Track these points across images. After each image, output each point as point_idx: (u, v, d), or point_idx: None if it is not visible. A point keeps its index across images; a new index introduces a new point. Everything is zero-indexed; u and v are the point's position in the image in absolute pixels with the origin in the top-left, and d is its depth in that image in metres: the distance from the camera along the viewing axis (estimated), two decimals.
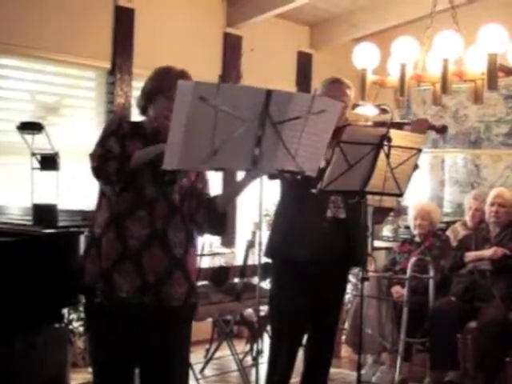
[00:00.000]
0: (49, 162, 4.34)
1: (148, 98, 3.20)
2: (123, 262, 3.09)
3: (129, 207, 3.11)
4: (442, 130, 4.55)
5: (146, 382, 3.27)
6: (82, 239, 4.15)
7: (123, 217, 3.10)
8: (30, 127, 4.45)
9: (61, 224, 4.19)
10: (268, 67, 7.39)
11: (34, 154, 4.36)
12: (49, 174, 4.39)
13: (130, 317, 3.12)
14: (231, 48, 7.23)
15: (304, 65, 8.03)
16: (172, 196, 3.16)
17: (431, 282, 5.59)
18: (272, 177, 4.13)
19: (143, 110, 3.26)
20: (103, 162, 3.04)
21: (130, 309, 3.11)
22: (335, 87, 4.21)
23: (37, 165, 4.36)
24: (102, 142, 3.14)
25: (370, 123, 4.24)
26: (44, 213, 4.17)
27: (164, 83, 3.15)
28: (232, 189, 3.26)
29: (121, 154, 3.07)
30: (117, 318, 3.13)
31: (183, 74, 3.18)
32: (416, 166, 3.99)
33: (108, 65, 6.29)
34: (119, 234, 3.09)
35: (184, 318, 3.27)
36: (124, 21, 6.34)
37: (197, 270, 3.40)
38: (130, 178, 3.03)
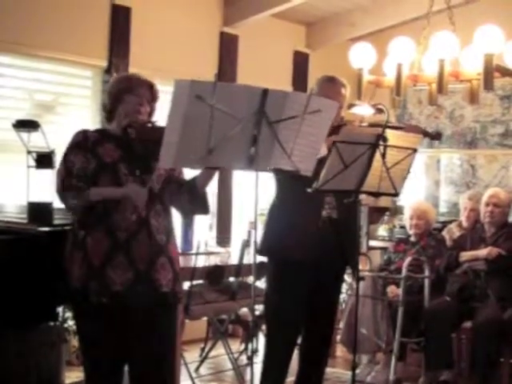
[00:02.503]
0: (44, 160, 4.34)
1: (116, 99, 3.31)
2: (115, 256, 3.14)
3: (111, 200, 3.18)
4: (437, 136, 4.54)
5: (137, 372, 3.29)
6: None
7: (109, 211, 3.17)
8: (26, 125, 4.45)
9: (56, 222, 4.18)
10: (264, 67, 7.40)
11: (29, 152, 4.35)
12: (44, 172, 4.38)
13: (124, 308, 3.15)
14: (227, 47, 7.22)
15: (300, 64, 8.03)
16: (151, 184, 3.23)
17: (426, 282, 5.60)
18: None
19: (110, 114, 3.36)
20: (62, 189, 3.22)
21: (123, 300, 3.14)
22: (330, 86, 4.20)
23: (32, 163, 4.36)
24: (64, 159, 3.28)
25: (365, 124, 4.23)
26: (39, 211, 4.17)
27: (131, 83, 3.31)
28: (206, 172, 3.28)
29: (78, 186, 3.18)
30: (108, 312, 3.15)
31: (145, 80, 3.35)
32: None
33: (104, 63, 6.28)
34: (107, 228, 3.15)
35: (170, 304, 3.33)
36: (120, 19, 6.33)
37: (179, 259, 3.46)
38: (87, 208, 3.18)
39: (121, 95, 3.28)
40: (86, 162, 3.22)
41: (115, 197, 3.16)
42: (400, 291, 5.59)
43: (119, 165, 3.22)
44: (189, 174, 3.36)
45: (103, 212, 3.17)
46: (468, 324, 5.47)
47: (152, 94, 3.33)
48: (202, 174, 3.21)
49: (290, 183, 4.05)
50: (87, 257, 3.16)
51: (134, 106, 3.25)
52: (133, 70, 6.25)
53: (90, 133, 3.34)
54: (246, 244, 5.67)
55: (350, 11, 7.65)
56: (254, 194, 4.55)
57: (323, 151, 3.37)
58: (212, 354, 6.21)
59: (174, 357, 3.45)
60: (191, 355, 6.03)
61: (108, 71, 6.27)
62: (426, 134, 4.41)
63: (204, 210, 3.38)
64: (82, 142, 3.27)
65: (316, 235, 4.10)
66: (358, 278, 4.19)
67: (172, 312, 3.36)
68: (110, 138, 3.30)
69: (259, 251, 4.35)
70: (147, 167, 3.22)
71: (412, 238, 6.12)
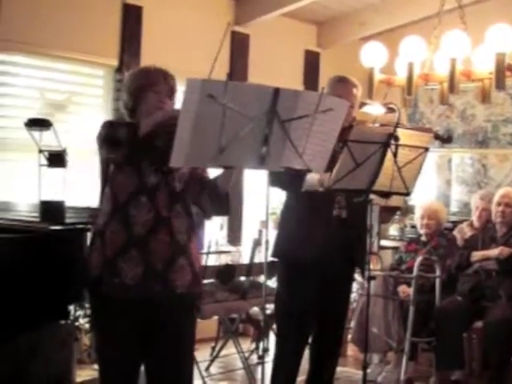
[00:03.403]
0: (56, 158, 4.34)
1: (136, 97, 3.24)
2: (129, 249, 3.11)
3: (131, 195, 3.13)
4: (447, 140, 4.54)
5: (153, 373, 3.27)
6: (89, 236, 4.16)
7: (126, 205, 3.13)
8: (38, 124, 4.45)
9: (68, 221, 4.19)
10: (275, 66, 7.40)
11: (41, 151, 4.36)
12: (56, 171, 4.39)
13: (138, 305, 3.14)
14: (238, 46, 7.23)
15: (311, 63, 8.03)
16: (173, 184, 3.19)
17: (437, 282, 5.59)
18: (273, 182, 4.16)
19: (132, 112, 3.29)
20: (112, 127, 3.11)
21: (136, 296, 3.12)
22: (341, 86, 4.19)
23: (44, 161, 4.36)
24: (100, 136, 3.15)
25: (377, 125, 4.23)
26: (51, 209, 4.17)
27: (149, 79, 3.23)
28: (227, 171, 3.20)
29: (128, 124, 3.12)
30: (123, 306, 3.14)
31: (166, 71, 3.27)
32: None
33: (115, 62, 6.30)
34: (124, 221, 3.12)
35: (189, 305, 3.29)
36: (132, 18, 6.36)
37: (200, 259, 3.43)
38: (140, 146, 3.03)
39: (140, 93, 3.22)
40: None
41: (161, 117, 2.99)
42: (411, 291, 5.59)
43: (143, 161, 3.15)
44: (213, 173, 3.30)
45: (121, 205, 3.14)
46: (479, 324, 5.46)
47: (171, 88, 3.26)
48: (223, 174, 3.16)
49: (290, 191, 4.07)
50: (104, 246, 3.14)
51: (155, 103, 3.18)
52: None
53: (115, 125, 3.25)
54: (256, 243, 5.68)
55: (360, 10, 7.65)
56: (265, 193, 4.58)
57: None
58: (223, 353, 6.22)
59: (191, 358, 3.42)
60: (202, 354, 6.03)
61: (119, 70, 6.30)
62: (437, 136, 4.40)
63: (225, 210, 3.32)
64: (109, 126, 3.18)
65: (326, 235, 4.10)
66: (369, 278, 4.20)
67: (189, 313, 3.32)
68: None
69: (272, 253, 4.36)
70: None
71: (423, 238, 6.11)
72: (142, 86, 3.23)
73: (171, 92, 3.26)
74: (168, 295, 3.16)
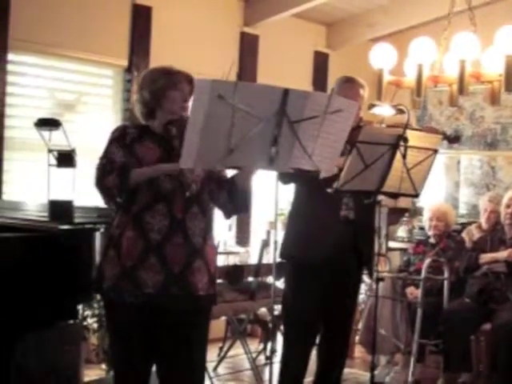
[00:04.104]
0: (65, 158, 4.35)
1: (158, 96, 3.22)
2: (147, 257, 3.10)
3: (147, 203, 3.13)
4: (455, 139, 4.53)
5: (165, 374, 3.27)
6: (98, 236, 4.17)
7: (142, 213, 3.12)
8: (48, 124, 4.46)
9: (77, 220, 4.20)
10: (284, 67, 7.40)
11: (50, 151, 4.36)
12: (65, 171, 4.40)
13: (156, 310, 3.13)
14: (248, 47, 7.24)
15: (320, 65, 8.02)
16: (188, 186, 3.17)
17: (446, 284, 5.58)
18: (285, 181, 4.14)
19: (150, 113, 3.27)
20: (103, 175, 3.11)
21: (155, 302, 3.12)
22: (348, 87, 4.19)
23: (53, 161, 4.37)
24: (105, 152, 3.21)
25: (384, 125, 4.23)
26: (60, 209, 4.18)
27: (172, 78, 3.21)
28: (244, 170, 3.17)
29: (122, 166, 3.11)
30: (141, 313, 3.14)
31: (188, 73, 3.26)
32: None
33: (125, 62, 6.32)
34: (140, 230, 3.11)
35: (205, 307, 3.29)
36: (141, 19, 6.37)
37: (216, 260, 3.39)
38: (129, 193, 3.11)
39: (164, 91, 3.20)
40: (125, 156, 3.16)
41: (157, 172, 3.09)
42: (419, 292, 5.58)
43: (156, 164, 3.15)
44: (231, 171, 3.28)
45: (137, 213, 3.14)
46: (487, 326, 5.44)
47: (191, 89, 3.20)
48: (240, 174, 3.13)
49: (309, 184, 4.05)
50: (120, 257, 3.13)
51: (178, 102, 3.17)
52: None
53: (129, 129, 3.28)
54: (265, 244, 5.68)
55: (370, 11, 7.64)
56: (273, 193, 4.57)
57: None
58: (230, 353, 6.22)
59: (204, 359, 3.40)
60: (209, 355, 5.93)
61: (129, 70, 6.32)
62: (444, 136, 4.39)
63: (245, 208, 3.29)
64: (121, 138, 3.21)
65: (333, 236, 4.10)
66: (377, 279, 4.19)
67: (206, 315, 3.31)
68: (151, 136, 3.24)
69: (279, 255, 4.36)
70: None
71: (431, 240, 6.10)
72: (165, 85, 3.20)
73: (190, 93, 3.21)
74: (186, 298, 3.15)
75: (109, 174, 3.09)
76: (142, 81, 3.32)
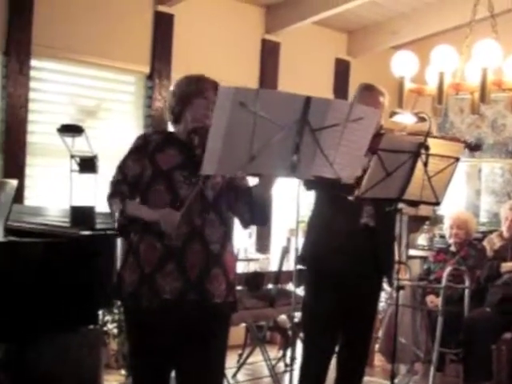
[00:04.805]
0: (88, 164, 4.37)
1: (184, 102, 3.22)
2: (165, 264, 3.10)
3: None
4: (476, 148, 4.51)
5: (185, 380, 3.27)
6: (119, 242, 4.19)
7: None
8: (71, 130, 4.49)
9: (98, 226, 4.22)
10: (305, 74, 7.41)
11: (73, 157, 4.39)
12: (87, 177, 4.42)
13: (173, 316, 3.13)
14: (269, 54, 7.25)
15: (342, 72, 8.03)
16: (206, 193, 3.17)
17: (466, 292, 5.56)
18: (308, 187, 4.14)
19: (178, 117, 3.27)
20: (111, 195, 3.20)
21: (173, 308, 3.12)
22: (368, 94, 4.18)
23: (76, 167, 4.40)
24: (122, 162, 3.24)
25: (405, 133, 4.22)
26: (82, 215, 4.20)
27: (200, 85, 3.20)
28: (264, 180, 3.11)
29: (122, 192, 3.17)
30: (159, 319, 3.14)
31: (215, 82, 3.24)
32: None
33: (147, 69, 6.35)
34: (158, 236, 3.11)
35: (223, 315, 3.27)
36: (163, 26, 6.41)
37: (235, 268, 3.37)
38: (127, 222, 3.15)
39: (189, 98, 3.20)
40: (142, 169, 3.17)
41: (147, 219, 3.10)
42: (439, 301, 5.56)
43: (175, 172, 3.15)
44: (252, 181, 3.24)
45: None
46: (508, 335, 5.43)
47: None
48: (261, 183, 3.09)
49: (330, 192, 4.04)
50: (139, 263, 3.13)
51: (202, 110, 3.15)
52: (175, 76, 6.32)
53: (152, 137, 3.28)
54: (285, 251, 5.68)
55: (391, 19, 7.63)
56: (293, 200, 4.58)
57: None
58: (250, 360, 6.22)
59: (222, 367, 3.38)
60: (229, 361, 5.95)
61: (150, 77, 6.35)
62: (465, 144, 4.38)
63: (262, 220, 3.27)
64: (142, 147, 3.21)
65: (353, 244, 4.09)
66: (397, 288, 4.18)
67: (224, 322, 3.29)
68: (174, 143, 3.23)
69: (299, 261, 4.35)
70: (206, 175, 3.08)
71: (452, 248, 6.08)
72: (192, 92, 3.20)
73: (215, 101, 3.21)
74: (203, 306, 3.14)
75: (114, 196, 3.17)
76: (173, 87, 3.33)
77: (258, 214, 3.20)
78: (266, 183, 3.08)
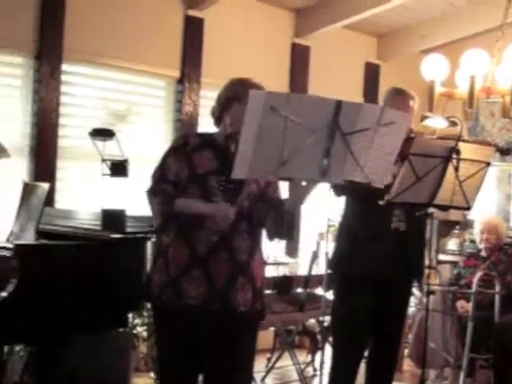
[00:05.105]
0: (118, 168, 4.40)
1: (224, 106, 3.22)
2: (192, 269, 3.10)
3: (198, 218, 3.12)
4: (507, 151, 4.49)
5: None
6: (149, 245, 4.20)
7: (193, 226, 3.12)
8: (102, 134, 4.52)
9: (129, 229, 4.24)
10: (335, 78, 7.40)
11: (104, 160, 4.42)
12: (118, 180, 4.45)
13: (197, 323, 3.14)
14: (299, 58, 7.26)
15: (371, 76, 8.02)
16: (241, 201, 3.16)
17: (497, 298, 5.52)
18: (338, 193, 4.13)
19: (218, 120, 3.28)
20: (154, 192, 3.19)
21: (197, 315, 3.12)
22: (398, 98, 4.17)
23: (107, 171, 4.42)
24: (162, 160, 3.23)
25: (434, 137, 4.20)
26: (112, 218, 4.22)
27: (239, 91, 3.17)
28: (295, 195, 3.09)
29: (166, 192, 3.15)
30: (184, 324, 3.15)
31: (259, 86, 3.20)
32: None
33: (177, 74, 6.38)
34: (187, 240, 3.12)
35: (249, 323, 3.25)
36: (193, 30, 6.43)
37: (263, 276, 3.33)
38: (170, 218, 3.15)
39: (229, 103, 3.20)
40: (181, 168, 3.17)
41: (201, 212, 3.09)
42: (470, 306, 5.52)
43: (210, 177, 3.14)
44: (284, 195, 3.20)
45: (186, 224, 3.13)
46: None
47: None
48: (291, 195, 3.05)
49: (360, 196, 4.03)
50: (167, 266, 3.15)
51: (239, 116, 2.98)
52: (205, 80, 6.36)
53: (191, 137, 3.29)
54: (315, 255, 5.67)
55: (421, 22, 7.60)
56: (323, 204, 4.58)
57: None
58: (278, 364, 6.21)
59: (249, 374, 3.39)
60: (257, 365, 5.98)
61: (181, 81, 6.38)
62: (496, 148, 4.34)
63: (288, 235, 3.27)
64: (181, 147, 3.21)
65: (383, 248, 4.08)
66: (428, 292, 4.16)
67: (250, 330, 3.28)
68: (212, 146, 3.23)
69: (329, 266, 4.34)
70: (240, 181, 3.09)
71: (482, 253, 6.04)
72: (230, 97, 3.20)
73: None
74: (229, 314, 3.13)
75: (156, 194, 3.17)
76: (220, 90, 3.33)
77: (284, 228, 3.18)
78: (298, 194, 3.04)
